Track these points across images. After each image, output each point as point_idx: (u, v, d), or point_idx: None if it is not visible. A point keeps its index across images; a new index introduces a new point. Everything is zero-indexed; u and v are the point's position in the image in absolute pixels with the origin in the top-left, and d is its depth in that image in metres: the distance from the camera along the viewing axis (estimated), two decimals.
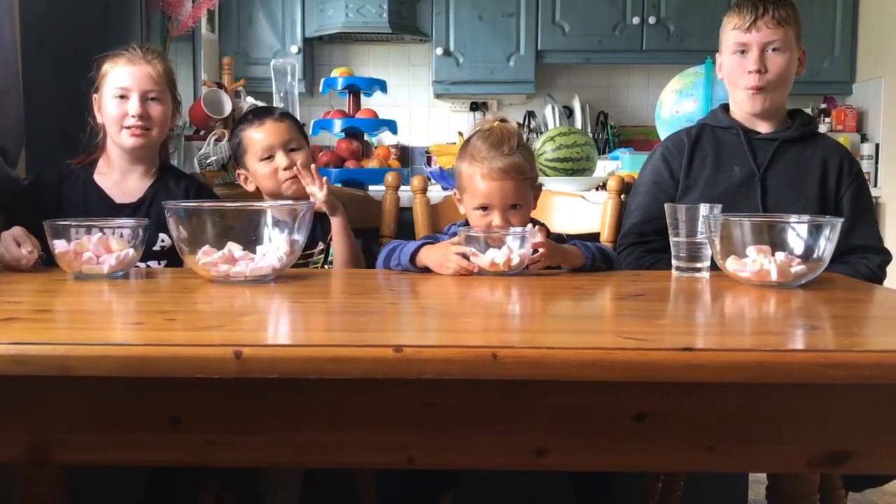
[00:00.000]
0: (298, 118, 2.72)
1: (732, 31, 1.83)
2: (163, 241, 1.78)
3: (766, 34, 1.79)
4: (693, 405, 0.94)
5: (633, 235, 1.86)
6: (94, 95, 1.82)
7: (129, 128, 1.76)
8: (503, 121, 1.68)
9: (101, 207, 1.77)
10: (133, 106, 1.75)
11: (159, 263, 1.78)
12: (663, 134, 2.50)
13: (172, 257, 1.77)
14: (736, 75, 1.84)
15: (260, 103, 2.42)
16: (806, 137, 1.88)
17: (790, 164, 1.85)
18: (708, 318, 1.21)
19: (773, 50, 1.80)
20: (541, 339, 1.00)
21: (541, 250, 1.50)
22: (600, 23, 4.33)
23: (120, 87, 1.75)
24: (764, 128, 1.88)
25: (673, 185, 1.87)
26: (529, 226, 1.59)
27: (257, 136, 1.84)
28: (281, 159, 1.82)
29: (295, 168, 1.82)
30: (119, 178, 1.83)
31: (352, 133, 2.48)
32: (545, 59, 4.41)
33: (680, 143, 1.91)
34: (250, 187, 1.91)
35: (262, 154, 1.83)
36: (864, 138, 4.24)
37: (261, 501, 1.86)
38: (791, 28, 1.81)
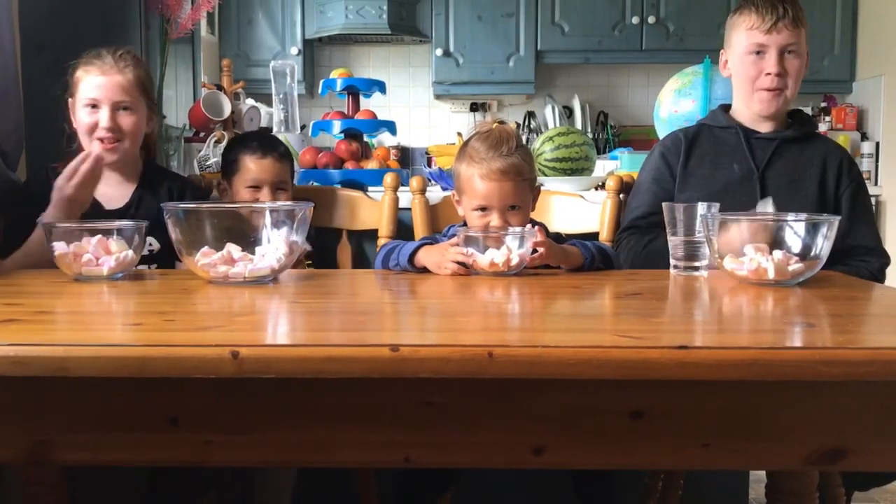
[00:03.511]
0: (298, 120, 2.73)
1: (749, 31, 1.80)
2: (150, 244, 1.76)
3: (786, 36, 1.78)
4: (689, 403, 0.94)
5: (632, 230, 1.86)
6: (70, 100, 1.80)
7: (100, 139, 1.75)
8: (501, 123, 1.69)
9: (90, 213, 1.74)
10: (104, 118, 1.73)
11: (149, 267, 1.77)
12: (662, 133, 2.49)
13: (162, 260, 1.76)
14: (751, 76, 1.82)
15: (260, 104, 2.42)
16: (805, 137, 1.88)
17: (789, 163, 1.85)
18: (705, 317, 1.21)
19: (791, 52, 1.79)
20: (537, 338, 1.00)
21: (540, 250, 1.50)
22: (600, 23, 4.33)
23: (90, 98, 1.74)
24: (765, 128, 1.88)
25: (672, 182, 1.87)
26: (529, 225, 1.59)
27: (253, 167, 1.92)
28: (266, 196, 1.93)
29: None
30: (101, 183, 1.79)
31: (351, 134, 2.49)
32: (545, 59, 4.41)
33: (677, 141, 1.91)
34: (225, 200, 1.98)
35: (252, 183, 1.93)
36: (864, 137, 4.24)
37: (252, 501, 1.85)
38: (804, 28, 1.80)
